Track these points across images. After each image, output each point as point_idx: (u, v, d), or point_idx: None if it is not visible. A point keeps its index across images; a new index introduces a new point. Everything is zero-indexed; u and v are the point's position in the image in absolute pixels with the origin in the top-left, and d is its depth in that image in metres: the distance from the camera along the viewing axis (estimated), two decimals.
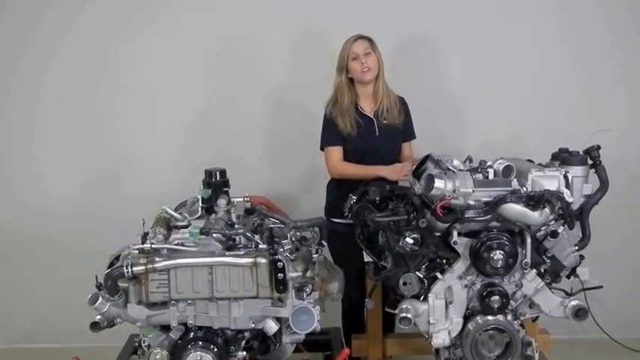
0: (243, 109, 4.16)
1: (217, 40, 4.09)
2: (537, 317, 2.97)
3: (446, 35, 4.09)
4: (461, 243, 2.70)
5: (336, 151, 3.49)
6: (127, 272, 2.44)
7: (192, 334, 2.55)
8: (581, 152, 2.85)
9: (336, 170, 3.50)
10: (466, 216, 2.66)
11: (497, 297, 2.68)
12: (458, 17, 4.07)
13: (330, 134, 3.49)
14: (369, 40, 3.45)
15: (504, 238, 2.66)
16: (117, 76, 4.15)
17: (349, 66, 3.42)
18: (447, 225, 2.68)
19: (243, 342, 2.63)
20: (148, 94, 4.16)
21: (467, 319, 2.78)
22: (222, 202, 2.84)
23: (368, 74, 3.41)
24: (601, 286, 3.11)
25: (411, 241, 2.72)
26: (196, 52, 4.11)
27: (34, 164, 4.25)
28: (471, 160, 2.88)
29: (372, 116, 3.48)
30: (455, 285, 2.75)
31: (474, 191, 2.64)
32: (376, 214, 2.80)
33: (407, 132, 3.57)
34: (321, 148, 3.54)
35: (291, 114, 3.87)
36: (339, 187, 3.48)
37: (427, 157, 2.85)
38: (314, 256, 2.70)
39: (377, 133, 3.47)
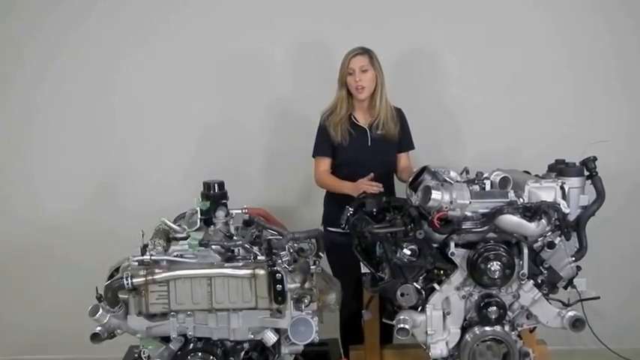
0: (241, 120, 4.17)
1: (218, 52, 4.10)
2: (535, 328, 2.98)
3: (444, 47, 4.10)
4: (458, 254, 2.72)
5: (323, 162, 3.51)
6: (127, 284, 2.46)
7: (191, 345, 2.57)
8: (577, 163, 2.87)
9: (318, 180, 3.54)
10: (463, 227, 2.68)
11: (494, 308, 2.70)
12: (456, 29, 4.08)
13: (321, 144, 3.51)
14: (369, 55, 3.42)
15: (501, 249, 2.68)
16: (116, 88, 4.15)
17: (347, 80, 3.42)
18: (444, 236, 2.70)
19: (242, 353, 2.64)
20: (147, 107, 4.16)
21: (464, 329, 2.79)
22: (220, 213, 2.85)
23: (362, 93, 3.41)
24: (598, 297, 3.12)
25: (409, 253, 2.74)
26: (196, 64, 4.11)
27: (32, 177, 4.24)
28: (467, 172, 2.90)
29: (365, 127, 3.48)
30: (452, 296, 2.77)
31: (470, 202, 2.66)
32: (374, 226, 2.81)
33: (403, 143, 3.57)
34: (313, 156, 3.58)
35: (289, 126, 3.89)
36: (333, 198, 3.50)
37: (424, 169, 2.87)
38: (312, 267, 2.72)
39: (369, 144, 3.47)
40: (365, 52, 3.42)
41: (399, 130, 3.51)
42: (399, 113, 3.56)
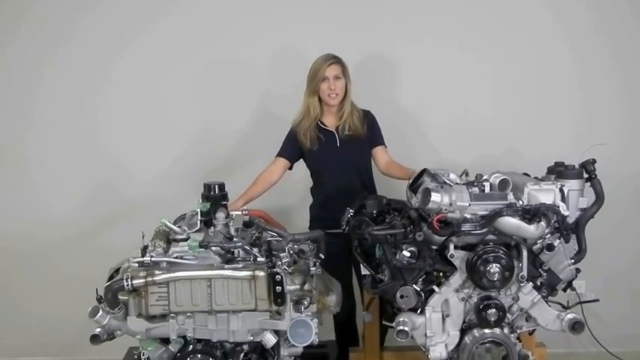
0: (239, 122, 4.20)
1: (209, 55, 4.17)
2: (534, 330, 2.98)
3: (443, 49, 4.12)
4: (457, 256, 2.72)
5: (275, 161, 3.60)
6: (127, 285, 2.46)
7: (191, 346, 2.57)
8: (576, 166, 2.87)
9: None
10: (462, 229, 2.68)
11: (493, 310, 2.69)
12: (458, 31, 4.10)
13: (283, 147, 3.62)
14: (342, 64, 3.52)
15: (501, 251, 2.68)
16: (106, 91, 4.20)
17: (319, 87, 3.49)
18: (443, 238, 2.70)
19: (242, 355, 2.64)
20: (140, 110, 4.22)
21: (464, 332, 2.79)
22: (220, 215, 2.85)
23: (335, 99, 3.51)
24: (597, 300, 3.12)
25: (408, 255, 2.74)
26: (189, 69, 4.17)
27: (29, 179, 4.26)
28: (467, 174, 2.90)
29: (333, 130, 3.57)
30: (452, 298, 2.77)
31: (470, 205, 2.66)
32: (373, 228, 2.82)
33: (373, 140, 3.62)
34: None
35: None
36: (317, 201, 3.68)
37: (424, 171, 2.87)
38: (312, 269, 2.72)
39: (338, 145, 3.56)
40: (338, 60, 3.52)
41: (367, 130, 3.58)
42: (367, 115, 3.63)
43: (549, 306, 2.81)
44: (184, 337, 2.58)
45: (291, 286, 2.55)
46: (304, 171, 3.68)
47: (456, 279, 2.76)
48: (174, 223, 2.85)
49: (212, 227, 2.85)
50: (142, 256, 2.57)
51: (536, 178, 2.93)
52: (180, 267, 2.55)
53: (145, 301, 2.52)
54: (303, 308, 2.56)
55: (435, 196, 2.63)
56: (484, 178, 2.79)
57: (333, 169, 3.56)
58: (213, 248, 2.61)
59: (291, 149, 3.59)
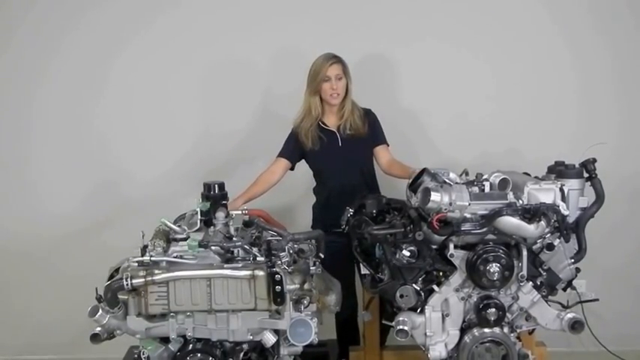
0: (239, 121, 4.20)
1: (210, 55, 4.17)
2: (534, 330, 2.97)
3: (444, 49, 4.12)
4: (457, 256, 2.71)
5: (276, 162, 3.60)
6: (127, 284, 2.46)
7: (190, 345, 2.57)
8: (577, 165, 2.87)
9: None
10: (462, 229, 2.68)
11: (493, 309, 2.69)
12: (458, 31, 4.10)
13: (285, 147, 3.62)
14: (343, 64, 3.52)
15: (500, 250, 2.67)
16: (108, 90, 4.20)
17: (321, 87, 3.49)
18: (443, 238, 2.69)
19: (242, 354, 2.64)
20: (142, 110, 4.22)
21: (463, 331, 2.79)
22: (220, 214, 2.85)
23: (336, 99, 3.51)
24: (597, 299, 3.12)
25: (408, 254, 2.74)
26: (190, 68, 4.18)
27: (31, 180, 4.27)
28: (467, 174, 2.89)
29: (334, 129, 3.57)
30: (451, 297, 2.77)
31: (470, 204, 2.66)
32: (373, 227, 2.82)
33: (375, 138, 3.62)
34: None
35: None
36: (319, 200, 3.66)
37: (423, 171, 2.86)
38: (312, 268, 2.72)
39: (340, 144, 3.56)
40: (339, 60, 3.52)
41: (369, 129, 3.58)
42: (368, 113, 3.63)
43: (549, 305, 2.81)
44: (184, 337, 2.58)
45: (290, 286, 2.55)
46: (305, 170, 3.68)
47: (456, 278, 2.76)
48: (174, 223, 2.85)
49: (212, 227, 2.85)
50: (142, 256, 2.57)
51: (536, 177, 2.93)
52: (179, 266, 2.55)
53: (145, 300, 2.52)
54: (302, 307, 2.56)
55: (434, 196, 2.63)
56: (484, 177, 2.79)
57: (335, 168, 3.56)
58: (212, 248, 2.61)
59: (292, 149, 3.59)
